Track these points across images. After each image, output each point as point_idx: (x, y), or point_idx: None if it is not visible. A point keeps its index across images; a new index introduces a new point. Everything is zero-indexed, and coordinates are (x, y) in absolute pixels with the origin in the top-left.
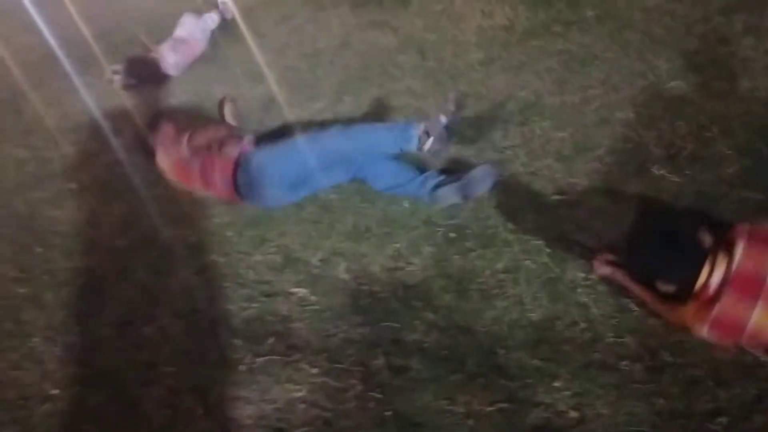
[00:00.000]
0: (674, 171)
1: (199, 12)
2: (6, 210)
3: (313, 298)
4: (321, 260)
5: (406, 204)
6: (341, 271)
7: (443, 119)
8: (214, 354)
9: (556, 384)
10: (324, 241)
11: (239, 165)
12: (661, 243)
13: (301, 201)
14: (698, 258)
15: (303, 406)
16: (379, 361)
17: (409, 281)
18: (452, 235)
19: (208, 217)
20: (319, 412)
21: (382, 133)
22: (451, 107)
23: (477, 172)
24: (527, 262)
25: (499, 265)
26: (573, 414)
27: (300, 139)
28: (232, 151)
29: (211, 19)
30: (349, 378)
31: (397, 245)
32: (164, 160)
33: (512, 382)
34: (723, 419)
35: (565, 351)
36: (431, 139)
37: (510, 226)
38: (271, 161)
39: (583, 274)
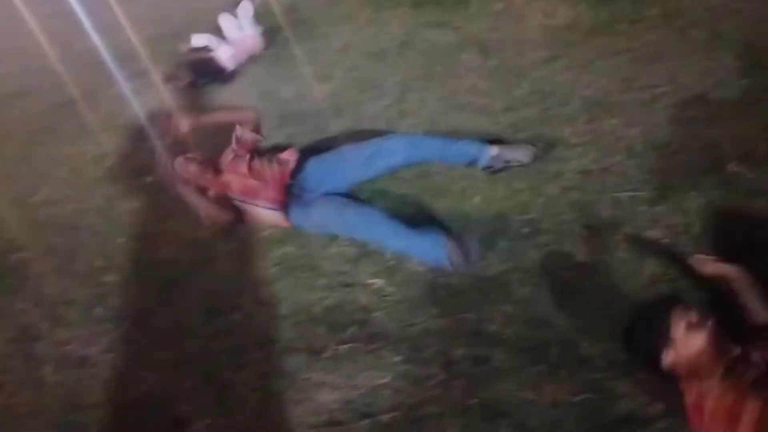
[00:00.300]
0: (750, 169)
1: (232, 10)
2: (86, 203)
3: (390, 289)
4: (395, 253)
5: (476, 199)
6: (416, 263)
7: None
8: (299, 341)
9: (641, 375)
10: None
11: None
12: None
13: (373, 196)
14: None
15: (387, 392)
16: (460, 351)
17: (484, 274)
18: (525, 230)
19: None
20: (404, 398)
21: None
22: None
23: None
24: (605, 257)
25: (576, 260)
26: (659, 406)
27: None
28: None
29: (245, 9)
30: (431, 366)
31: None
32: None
33: (597, 374)
34: None
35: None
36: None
37: (584, 221)
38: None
39: (661, 269)
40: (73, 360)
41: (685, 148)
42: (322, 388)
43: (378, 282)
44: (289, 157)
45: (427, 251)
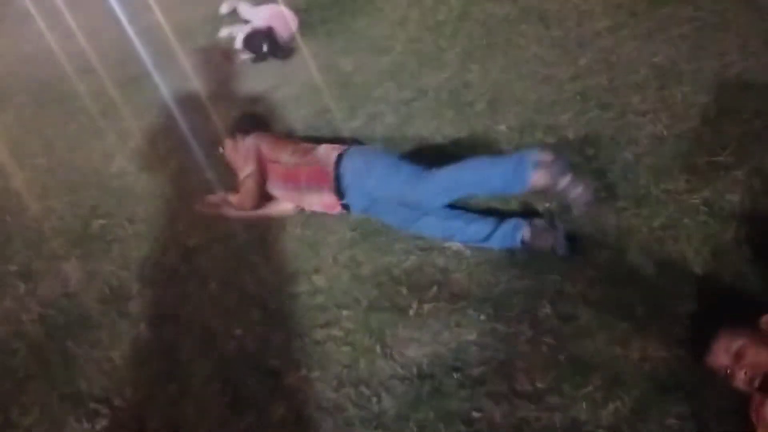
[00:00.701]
0: None
1: None
2: (160, 173)
3: (467, 252)
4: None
5: None
6: None
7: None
8: (383, 300)
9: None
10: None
11: (340, 158)
12: None
13: None
14: None
15: (475, 348)
16: (546, 310)
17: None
18: (602, 194)
19: None
20: (493, 353)
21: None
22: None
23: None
24: (685, 221)
25: (656, 223)
26: None
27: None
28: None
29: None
30: (517, 324)
31: (546, 204)
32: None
33: (686, 331)
34: None
35: (732, 299)
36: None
37: (662, 186)
38: (377, 159)
39: (743, 232)
40: (166, 318)
41: (760, 113)
42: (410, 344)
43: (455, 245)
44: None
45: (504, 239)
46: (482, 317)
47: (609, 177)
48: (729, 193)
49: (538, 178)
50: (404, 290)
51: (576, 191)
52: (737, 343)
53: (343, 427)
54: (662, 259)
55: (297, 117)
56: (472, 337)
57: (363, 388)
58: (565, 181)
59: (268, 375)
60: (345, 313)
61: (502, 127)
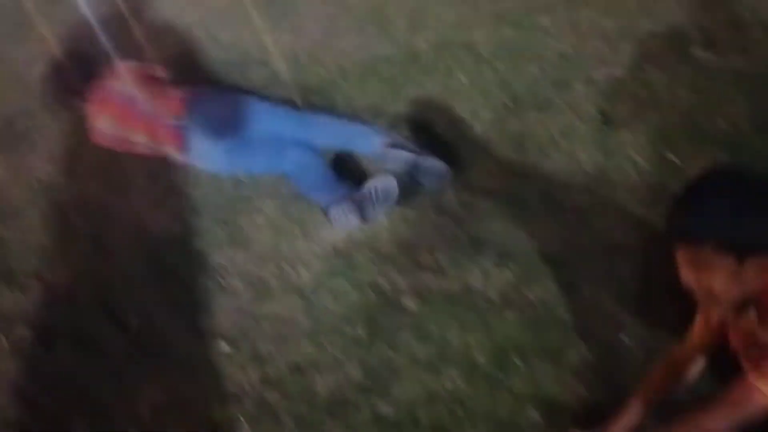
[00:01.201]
0: (715, 54)
1: None
2: None
3: None
4: (388, 121)
5: (463, 79)
6: (407, 130)
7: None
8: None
9: (610, 215)
10: (387, 105)
11: (189, 105)
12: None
13: None
14: None
15: (387, 231)
16: (450, 198)
17: (469, 136)
18: (509, 103)
19: None
20: (401, 235)
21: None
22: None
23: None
24: (581, 126)
25: (554, 129)
26: (623, 238)
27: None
28: (177, 91)
29: None
30: (424, 211)
31: (457, 111)
32: (104, 93)
33: (571, 215)
34: None
35: (617, 191)
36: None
37: (564, 95)
38: (222, 106)
39: (632, 136)
40: (95, 206)
41: (656, 35)
42: (328, 228)
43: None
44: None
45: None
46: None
47: (515, 87)
48: (621, 102)
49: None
50: None
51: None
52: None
53: (264, 295)
54: (558, 158)
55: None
56: (384, 223)
57: (283, 264)
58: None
59: (194, 255)
60: (268, 202)
61: (422, 44)
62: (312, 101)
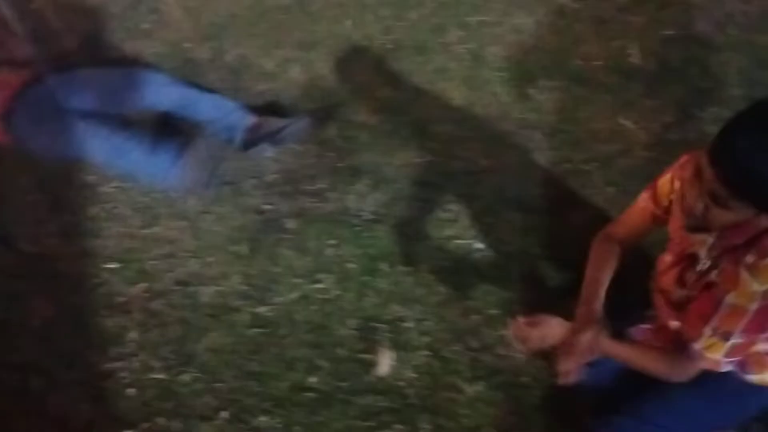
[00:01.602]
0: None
1: None
2: None
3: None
4: (277, 64)
5: (348, 24)
6: (296, 72)
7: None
8: None
9: (472, 145)
10: (277, 50)
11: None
12: None
13: None
14: None
15: (272, 162)
16: (333, 132)
17: (352, 76)
18: (389, 46)
19: None
20: (285, 165)
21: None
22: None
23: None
24: (453, 65)
25: (430, 68)
26: (484, 162)
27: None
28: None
29: None
30: (306, 144)
31: (342, 54)
32: None
33: (438, 144)
34: None
35: (481, 123)
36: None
37: (439, 39)
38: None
39: (498, 74)
40: None
41: None
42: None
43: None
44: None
45: (156, 171)
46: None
47: (395, 32)
48: (492, 45)
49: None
50: None
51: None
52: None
53: (150, 221)
54: (431, 94)
55: None
56: (269, 153)
57: (171, 193)
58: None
59: (85, 186)
60: None
61: None
62: (202, 48)
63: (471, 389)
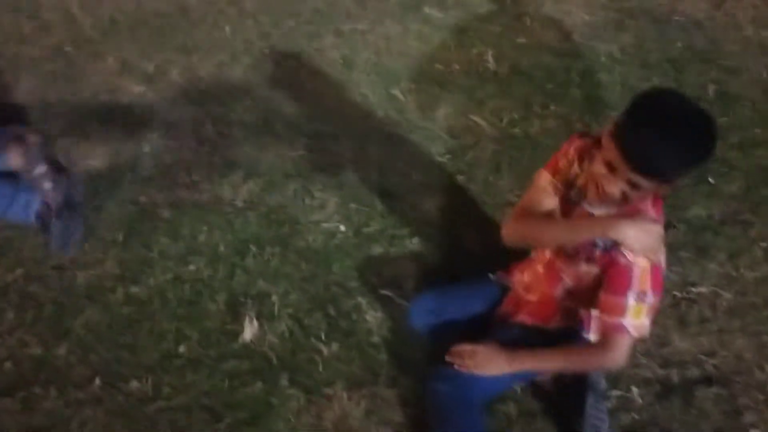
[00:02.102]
0: (441, 11)
1: None
2: None
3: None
4: (156, 67)
5: (228, 30)
6: (175, 75)
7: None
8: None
9: (341, 141)
10: (158, 54)
11: None
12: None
13: None
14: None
15: (149, 158)
16: (209, 129)
17: (230, 78)
18: (267, 51)
19: None
20: (162, 160)
21: None
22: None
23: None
24: (326, 69)
25: (304, 73)
26: (350, 155)
27: None
28: None
29: None
30: (184, 139)
31: (220, 56)
32: None
33: (309, 139)
34: None
35: (350, 121)
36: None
37: (314, 44)
38: None
39: (366, 77)
40: None
41: None
42: (92, 155)
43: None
44: None
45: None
46: (155, 135)
47: (273, 38)
48: (361, 51)
49: (13, 153)
50: None
51: (47, 184)
52: None
53: None
54: (304, 96)
55: None
56: (147, 149)
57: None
58: (40, 170)
59: None
60: None
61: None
62: (84, 51)
63: (327, 350)
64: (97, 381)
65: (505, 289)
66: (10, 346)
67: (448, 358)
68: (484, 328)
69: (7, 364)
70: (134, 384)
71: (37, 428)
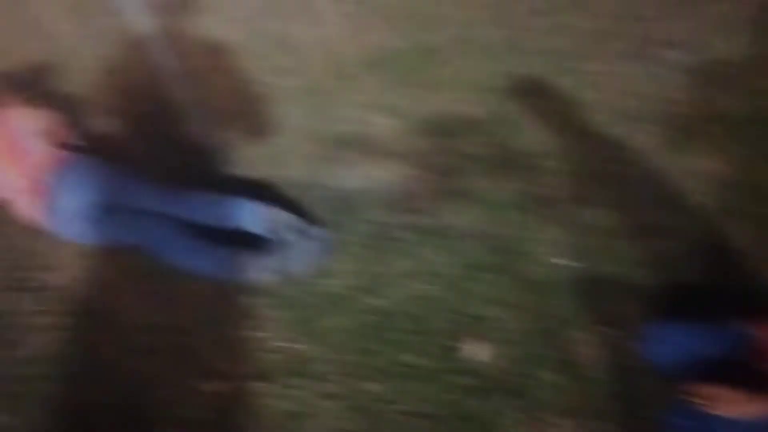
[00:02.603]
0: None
1: None
2: None
3: None
4: (403, 101)
5: (471, 66)
6: (419, 109)
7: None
8: None
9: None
10: (406, 89)
11: (63, 167)
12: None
13: None
14: None
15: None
16: (445, 160)
17: (468, 115)
18: (506, 88)
19: None
20: (406, 186)
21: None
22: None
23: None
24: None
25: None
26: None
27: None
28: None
29: None
30: (424, 167)
31: (463, 93)
32: None
33: (542, 174)
34: None
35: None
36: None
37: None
38: (85, 177)
39: None
40: None
41: None
42: (346, 180)
43: None
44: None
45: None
46: (398, 164)
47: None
48: None
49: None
50: None
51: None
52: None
53: None
54: (532, 127)
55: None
56: (390, 176)
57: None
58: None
59: None
60: None
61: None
62: (341, 85)
63: (545, 377)
64: (333, 377)
65: (747, 336)
66: (265, 339)
67: (690, 396)
68: (724, 369)
69: (271, 355)
70: (367, 384)
71: (291, 413)
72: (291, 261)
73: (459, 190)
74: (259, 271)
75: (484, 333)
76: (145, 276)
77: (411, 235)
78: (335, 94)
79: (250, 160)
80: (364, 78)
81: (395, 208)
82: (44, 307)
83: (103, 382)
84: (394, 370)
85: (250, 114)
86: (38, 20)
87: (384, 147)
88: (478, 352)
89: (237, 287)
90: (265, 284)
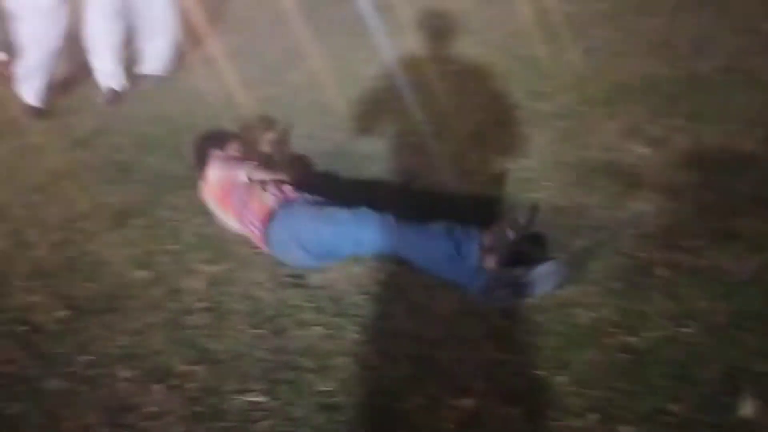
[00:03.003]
0: None
1: None
2: None
3: None
4: (662, 131)
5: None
6: (680, 140)
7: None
8: None
9: None
10: (666, 119)
11: (273, 217)
12: None
13: None
14: None
15: (653, 219)
16: (711, 196)
17: (737, 150)
18: None
19: None
20: (662, 221)
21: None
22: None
23: (541, 270)
24: None
25: None
26: None
27: (342, 216)
28: (270, 198)
29: None
30: (685, 201)
31: (731, 126)
32: (214, 173)
33: None
34: None
35: None
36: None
37: None
38: (304, 227)
39: None
40: None
41: None
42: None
43: None
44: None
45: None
46: (655, 196)
47: None
48: None
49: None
50: None
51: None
52: None
53: None
54: None
55: None
56: (647, 208)
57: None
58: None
59: None
60: None
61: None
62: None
63: None
64: (592, 416)
65: None
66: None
67: None
68: None
69: (518, 379)
70: (627, 428)
71: None
72: (536, 285)
73: (727, 231)
74: (511, 291)
75: (762, 390)
76: (408, 286)
77: (675, 274)
78: (587, 120)
79: (499, 181)
80: (620, 105)
81: (652, 243)
82: (315, 304)
83: (364, 384)
84: (656, 417)
85: (501, 135)
86: None
87: (640, 177)
88: (756, 411)
89: (488, 306)
90: (514, 306)
